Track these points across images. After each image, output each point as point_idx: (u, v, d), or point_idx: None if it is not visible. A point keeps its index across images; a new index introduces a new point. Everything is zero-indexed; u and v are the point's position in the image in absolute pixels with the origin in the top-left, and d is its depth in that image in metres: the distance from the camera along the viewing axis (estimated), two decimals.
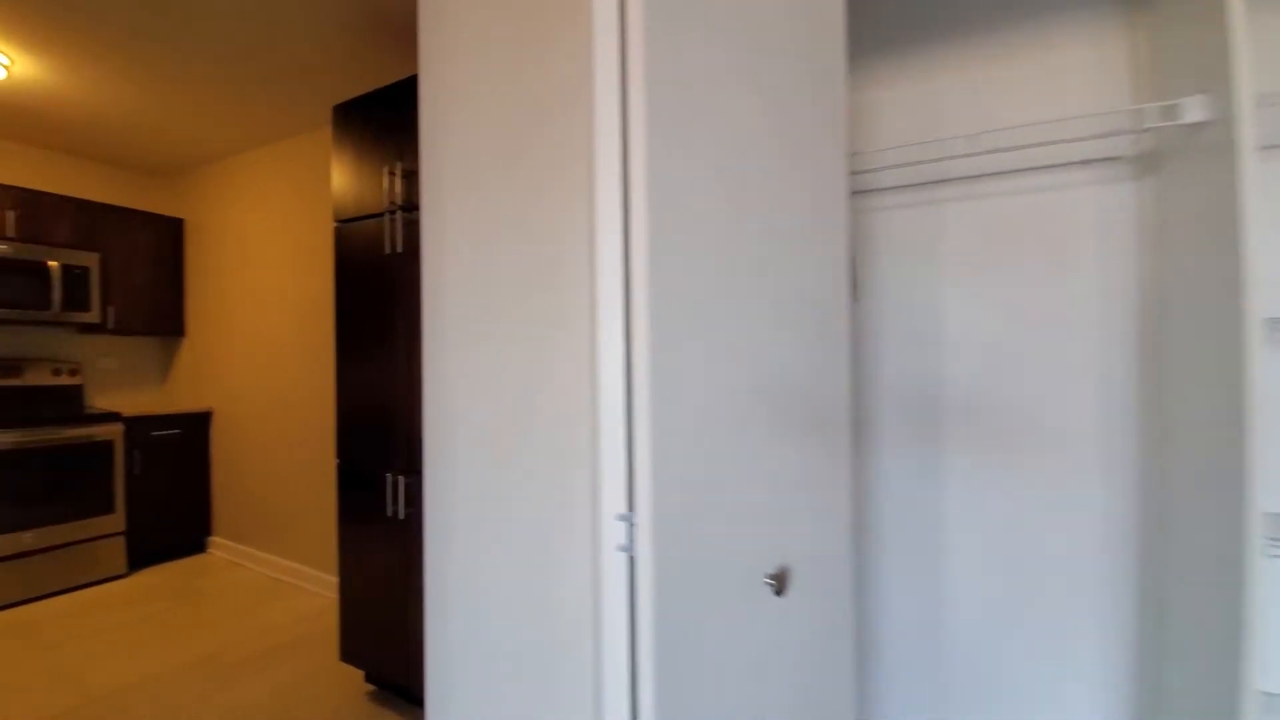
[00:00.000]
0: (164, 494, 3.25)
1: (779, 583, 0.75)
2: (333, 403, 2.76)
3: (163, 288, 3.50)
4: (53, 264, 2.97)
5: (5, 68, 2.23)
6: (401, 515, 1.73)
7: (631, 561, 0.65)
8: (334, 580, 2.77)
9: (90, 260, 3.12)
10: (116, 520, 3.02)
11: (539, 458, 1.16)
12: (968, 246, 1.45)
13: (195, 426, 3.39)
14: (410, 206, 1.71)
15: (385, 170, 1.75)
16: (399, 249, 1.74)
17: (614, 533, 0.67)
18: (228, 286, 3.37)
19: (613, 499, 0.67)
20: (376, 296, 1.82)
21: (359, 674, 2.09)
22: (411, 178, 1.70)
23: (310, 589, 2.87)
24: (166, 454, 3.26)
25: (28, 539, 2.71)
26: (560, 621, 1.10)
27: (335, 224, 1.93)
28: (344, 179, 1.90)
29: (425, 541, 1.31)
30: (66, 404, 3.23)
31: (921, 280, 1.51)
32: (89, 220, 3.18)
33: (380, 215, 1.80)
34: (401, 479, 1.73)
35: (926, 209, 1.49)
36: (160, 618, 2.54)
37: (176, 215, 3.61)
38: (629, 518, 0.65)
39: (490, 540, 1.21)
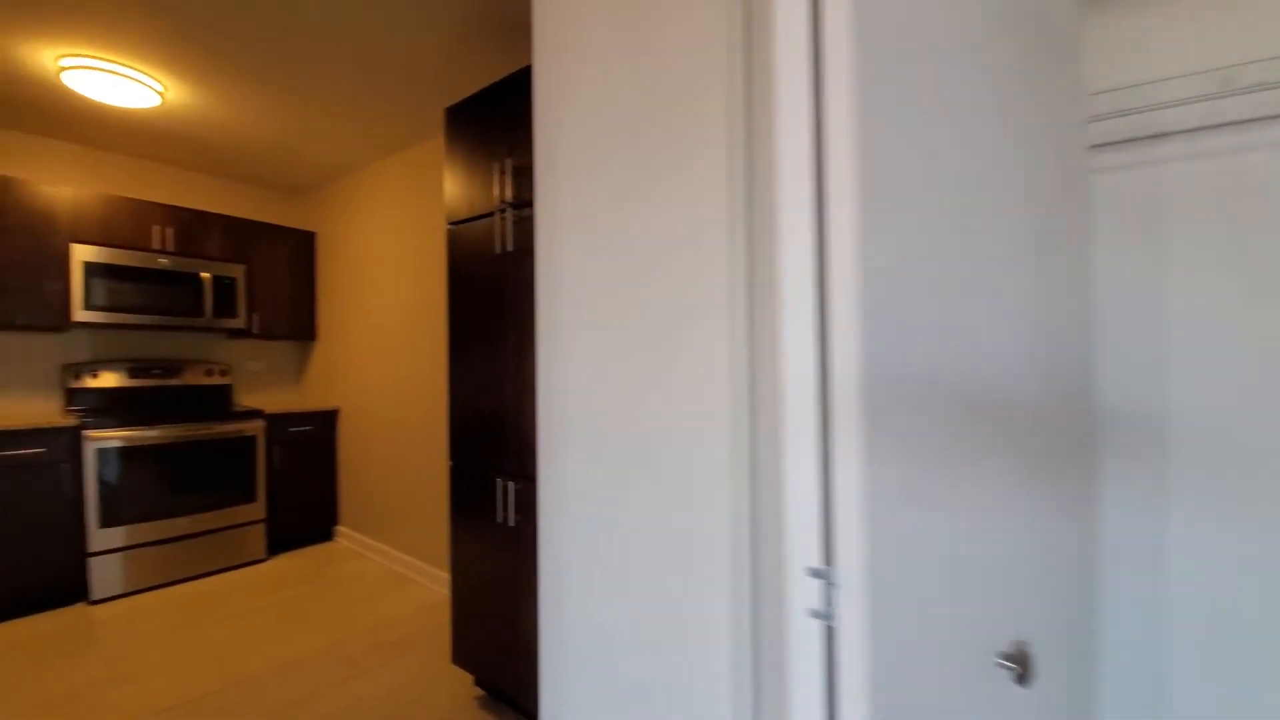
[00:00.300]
0: (298, 486, 3.52)
1: (1020, 667, 0.55)
2: (445, 404, 2.82)
3: (298, 296, 3.80)
4: (205, 275, 3.30)
5: (159, 94, 2.48)
6: (512, 522, 1.68)
7: (830, 633, 0.49)
8: (447, 577, 2.84)
9: (237, 271, 3.44)
10: (258, 509, 3.30)
11: (663, 472, 1.02)
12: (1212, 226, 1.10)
13: (325, 423, 3.64)
14: (520, 203, 1.65)
15: (495, 168, 1.71)
16: (509, 248, 1.68)
17: (803, 591, 0.51)
18: (352, 293, 3.58)
19: (801, 545, 0.51)
20: (486, 297, 1.79)
21: (469, 678, 2.08)
22: (521, 174, 1.64)
23: (424, 583, 2.96)
24: (300, 449, 3.53)
25: (184, 524, 3.02)
26: (690, 649, 0.95)
27: (448, 226, 1.92)
28: (455, 181, 1.89)
29: (540, 557, 1.22)
30: (218, 402, 3.59)
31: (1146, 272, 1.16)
32: (236, 235, 3.51)
33: (490, 215, 1.76)
34: (512, 485, 1.68)
35: (1151, 170, 1.16)
36: (293, 604, 2.71)
37: (309, 229, 3.92)
38: (827, 574, 0.49)
39: (610, 560, 1.10)
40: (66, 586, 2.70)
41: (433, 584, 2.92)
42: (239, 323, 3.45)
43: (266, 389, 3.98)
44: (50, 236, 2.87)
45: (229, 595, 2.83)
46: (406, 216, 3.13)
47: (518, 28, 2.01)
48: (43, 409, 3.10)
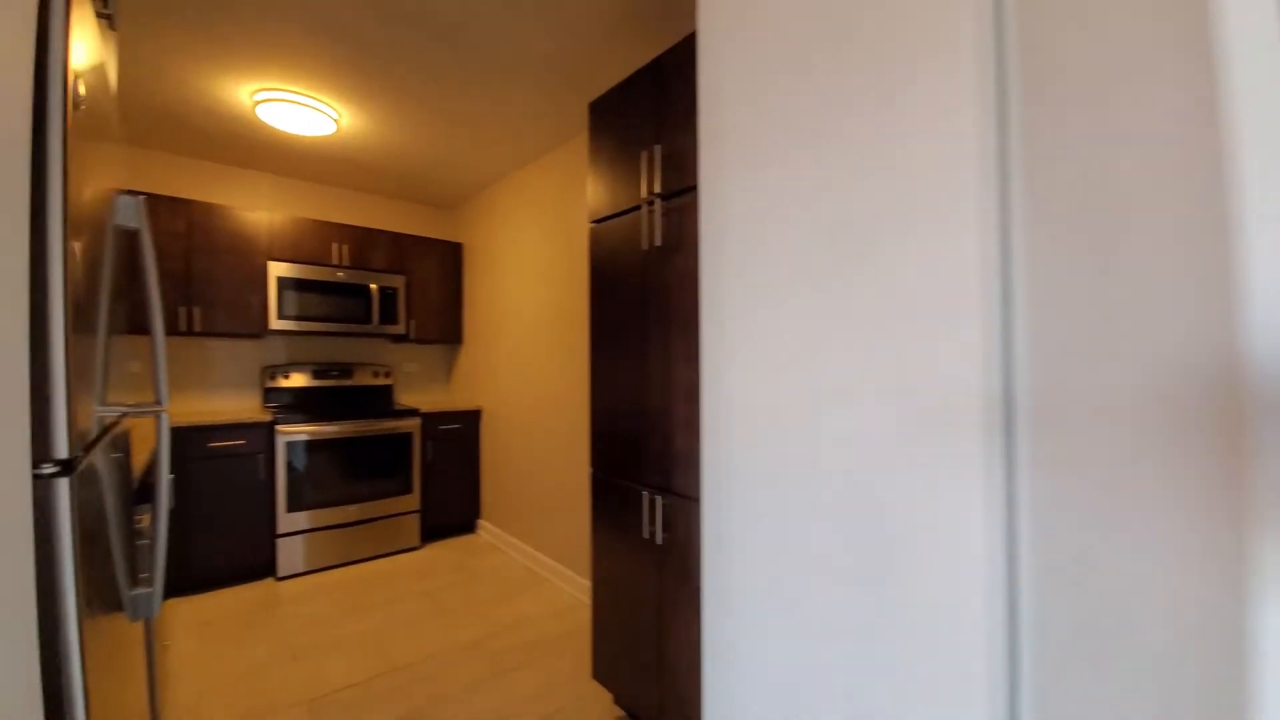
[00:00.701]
0: (446, 480, 3.74)
1: None
2: (585, 407, 2.80)
3: (447, 302, 4.06)
4: (373, 286, 3.62)
5: (335, 121, 2.72)
6: (659, 540, 1.55)
7: None
8: (584, 582, 2.81)
9: (398, 282, 3.74)
10: (413, 500, 3.55)
11: (862, 508, 0.81)
12: None
13: (470, 422, 3.84)
14: (670, 194, 1.52)
15: (642, 158, 1.60)
16: (656, 242, 1.56)
17: None
18: (494, 299, 3.74)
19: None
20: (630, 297, 1.68)
21: (608, 696, 1.99)
22: (672, 161, 1.51)
23: (559, 584, 2.96)
24: (449, 445, 3.75)
25: (353, 511, 3.32)
26: None
27: (590, 225, 1.86)
28: (599, 177, 1.82)
29: (704, 596, 1.06)
30: (382, 401, 3.93)
31: None
32: (397, 248, 3.82)
33: (636, 208, 1.66)
34: (659, 499, 1.55)
35: None
36: (441, 595, 2.84)
37: (457, 240, 4.18)
38: None
39: (797, 615, 0.90)
40: (259, 563, 3.07)
41: (567, 586, 2.91)
42: (399, 328, 3.75)
43: (420, 389, 4.30)
44: (252, 256, 3.31)
45: (388, 580, 3.04)
46: (545, 221, 3.19)
47: (655, 16, 1.89)
48: (247, 405, 3.59)
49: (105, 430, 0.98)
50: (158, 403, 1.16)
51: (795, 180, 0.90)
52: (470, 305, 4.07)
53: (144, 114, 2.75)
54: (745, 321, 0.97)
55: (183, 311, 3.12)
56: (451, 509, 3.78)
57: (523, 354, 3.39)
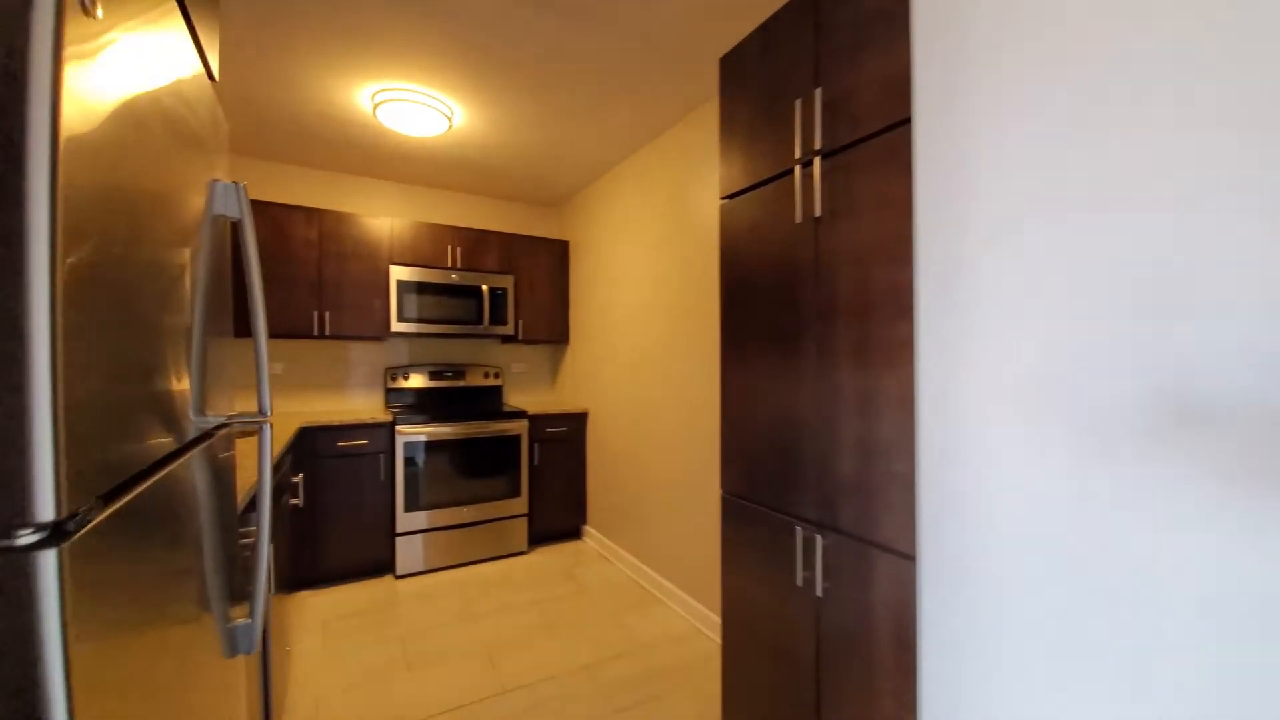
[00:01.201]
0: (552, 483, 3.64)
1: None
2: (709, 415, 2.52)
3: (553, 302, 3.98)
4: (484, 287, 3.60)
5: (448, 118, 2.66)
6: (818, 590, 1.23)
7: None
8: (702, 609, 2.53)
9: (507, 282, 3.70)
10: (522, 503, 3.48)
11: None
12: None
13: (576, 425, 3.72)
14: (835, 149, 1.20)
15: (795, 107, 1.29)
16: (815, 212, 1.24)
17: None
18: (601, 296, 3.58)
19: None
20: (776, 281, 1.38)
21: None
22: (837, 108, 1.19)
23: (673, 606, 2.71)
24: (555, 448, 3.64)
25: (465, 513, 3.29)
26: None
27: (721, 202, 1.57)
28: (733, 143, 1.53)
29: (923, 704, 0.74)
30: (491, 402, 3.92)
31: None
32: (507, 249, 3.78)
33: (785, 174, 1.35)
34: (819, 538, 1.23)
35: None
36: (550, 607, 2.70)
37: (563, 238, 4.09)
38: None
39: None
40: (381, 561, 3.12)
41: (682, 609, 2.65)
42: (508, 329, 3.71)
43: (527, 390, 4.26)
44: (376, 260, 3.40)
45: (498, 586, 2.97)
46: (659, 208, 2.95)
47: None
48: (373, 404, 3.71)
49: (196, 441, 0.87)
50: (261, 413, 1.04)
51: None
52: (576, 304, 3.95)
53: (274, 128, 2.87)
54: (1014, 304, 0.64)
55: (315, 315, 3.26)
56: (558, 514, 3.67)
57: (632, 354, 3.19)
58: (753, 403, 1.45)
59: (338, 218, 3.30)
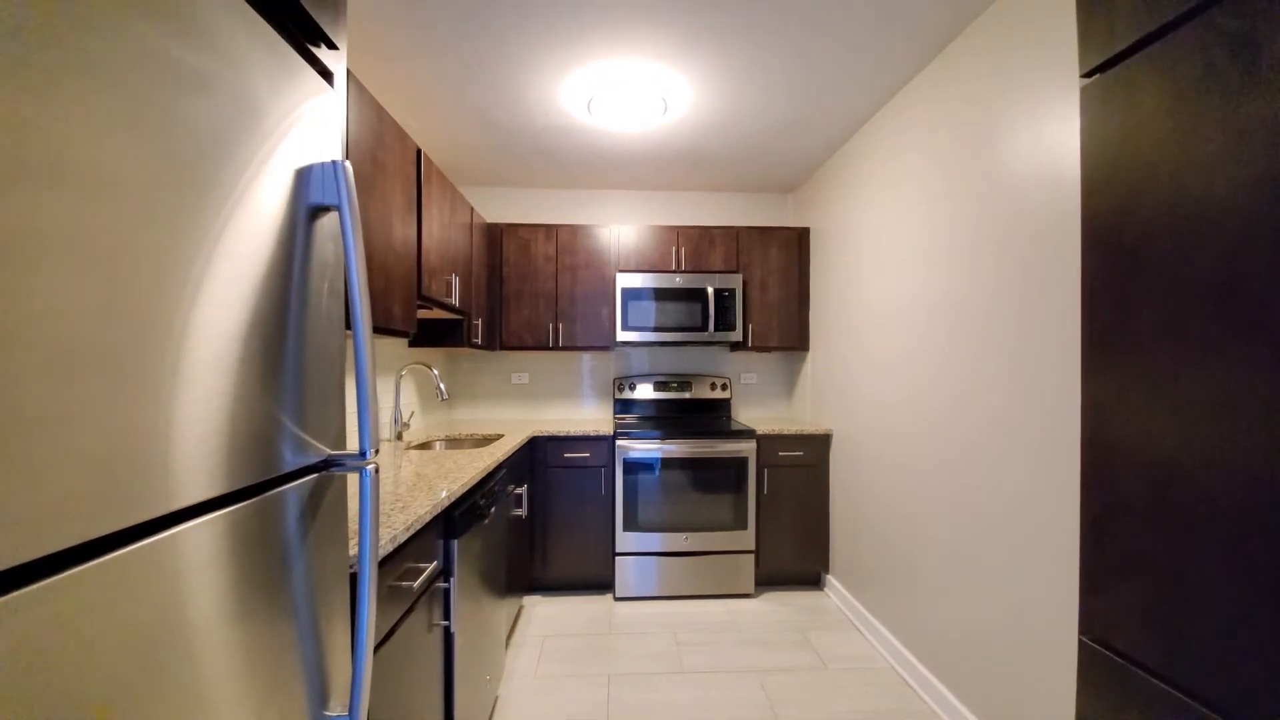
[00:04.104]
0: (785, 518, 3.08)
1: None
2: (1038, 459, 1.71)
3: (788, 302, 3.42)
4: (709, 289, 3.25)
5: (662, 102, 2.36)
6: None
7: None
8: None
9: (735, 282, 3.29)
10: (748, 538, 3.01)
11: None
12: None
13: (816, 449, 3.09)
14: None
15: None
16: None
17: None
18: (851, 290, 2.90)
19: None
20: (1226, 230, 0.65)
21: None
22: None
23: None
24: (789, 475, 3.08)
25: (683, 541, 2.97)
26: None
27: (1084, 83, 0.90)
28: None
29: None
30: (718, 417, 3.55)
31: None
32: (734, 244, 3.38)
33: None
34: None
35: None
36: (779, 682, 2.17)
37: (800, 225, 3.50)
38: None
39: None
40: (602, 578, 3.00)
41: None
42: (736, 335, 3.29)
43: (759, 404, 3.78)
44: (604, 269, 3.35)
45: (717, 633, 2.56)
46: (931, 170, 2.18)
47: None
48: (603, 415, 3.70)
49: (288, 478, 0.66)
50: (361, 454, 0.81)
51: None
52: (818, 303, 3.31)
53: (510, 149, 2.99)
54: None
55: (551, 327, 3.35)
56: (791, 555, 3.08)
57: (896, 363, 2.44)
58: (1175, 454, 0.73)
59: (571, 231, 3.34)
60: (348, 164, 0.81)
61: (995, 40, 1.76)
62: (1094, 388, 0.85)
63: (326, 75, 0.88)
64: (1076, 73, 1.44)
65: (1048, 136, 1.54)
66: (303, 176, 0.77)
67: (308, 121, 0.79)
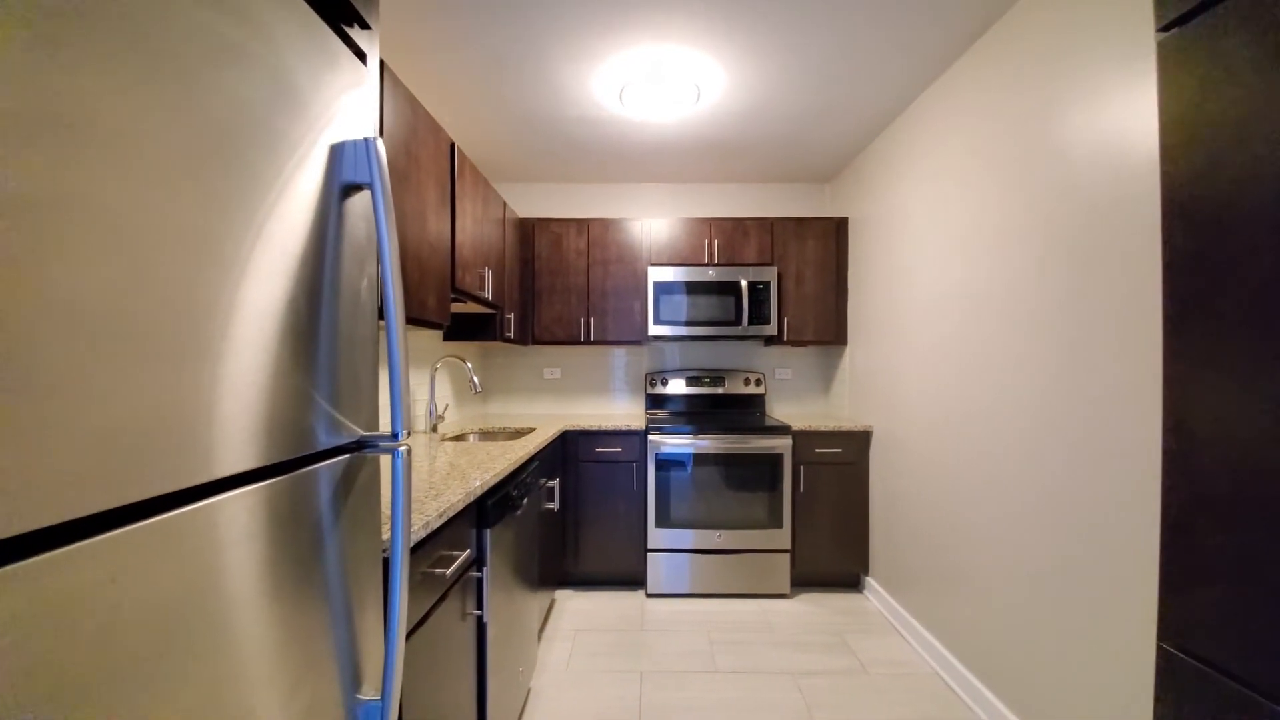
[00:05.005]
0: (822, 518, 2.99)
1: None
2: (1104, 458, 1.61)
3: (825, 294, 3.32)
4: (743, 282, 3.19)
5: (695, 90, 2.31)
6: None
7: None
8: None
9: (769, 275, 3.22)
10: (783, 536, 2.94)
11: None
12: None
13: (855, 447, 2.99)
14: None
15: None
16: None
17: None
18: (890, 283, 2.80)
19: None
20: None
21: None
22: None
23: None
24: (826, 473, 2.99)
25: (717, 538, 2.92)
26: None
27: (1160, 38, 0.83)
28: None
29: None
30: (752, 413, 3.48)
31: None
32: (769, 236, 3.30)
33: None
34: None
35: None
36: (816, 685, 2.10)
37: (838, 215, 3.40)
38: None
39: None
40: (634, 574, 2.98)
41: None
42: (770, 329, 3.22)
43: (794, 400, 3.69)
44: (636, 263, 3.32)
45: (752, 632, 2.50)
46: (977, 154, 2.07)
47: None
48: (635, 410, 3.68)
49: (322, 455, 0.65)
50: (393, 435, 0.81)
51: None
52: (857, 295, 3.21)
53: (544, 144, 2.99)
54: None
55: (583, 322, 3.35)
56: (828, 556, 2.99)
57: (942, 357, 2.34)
58: (1266, 444, 0.66)
59: (603, 225, 3.33)
60: (379, 141, 0.80)
61: (1051, 10, 1.65)
62: (1176, 372, 0.77)
63: (360, 55, 0.88)
64: (1148, 31, 1.34)
65: (1112, 107, 1.43)
66: (336, 154, 0.76)
67: (342, 100, 0.78)
